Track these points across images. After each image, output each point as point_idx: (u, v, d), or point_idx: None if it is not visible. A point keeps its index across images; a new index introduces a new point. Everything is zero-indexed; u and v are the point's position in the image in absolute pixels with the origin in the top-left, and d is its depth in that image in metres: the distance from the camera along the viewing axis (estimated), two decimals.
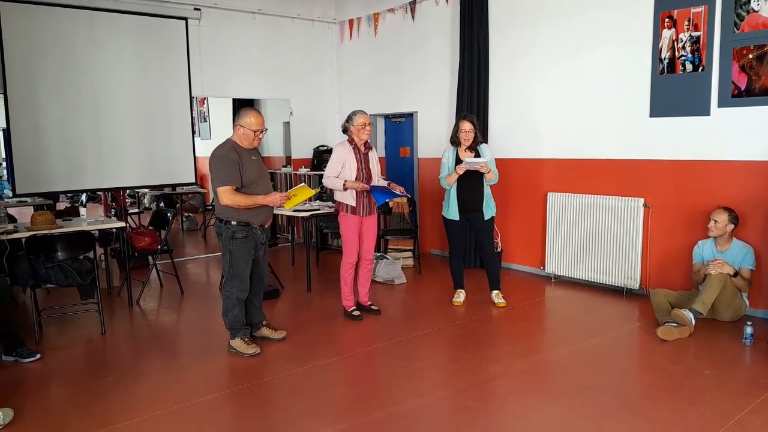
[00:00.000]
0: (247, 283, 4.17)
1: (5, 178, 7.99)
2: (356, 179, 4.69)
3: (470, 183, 4.99)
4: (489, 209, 5.12)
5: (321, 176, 7.72)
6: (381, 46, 7.82)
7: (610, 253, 5.57)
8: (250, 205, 3.98)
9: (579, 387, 3.56)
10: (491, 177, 4.99)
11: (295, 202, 4.22)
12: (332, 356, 4.14)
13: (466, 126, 5.00)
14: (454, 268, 5.37)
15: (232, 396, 3.57)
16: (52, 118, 6.36)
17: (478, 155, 5.06)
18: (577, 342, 4.34)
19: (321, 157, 8.09)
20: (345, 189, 4.67)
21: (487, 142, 6.22)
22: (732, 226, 4.61)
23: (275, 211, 4.66)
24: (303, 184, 4.14)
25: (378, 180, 4.88)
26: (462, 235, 5.29)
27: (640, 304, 5.20)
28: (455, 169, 4.95)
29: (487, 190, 5.11)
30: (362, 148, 4.77)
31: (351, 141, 4.75)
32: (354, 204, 4.73)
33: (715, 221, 4.62)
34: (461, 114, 5.20)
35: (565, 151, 5.94)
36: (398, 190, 4.75)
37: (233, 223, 4.04)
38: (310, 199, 4.52)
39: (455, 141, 5.09)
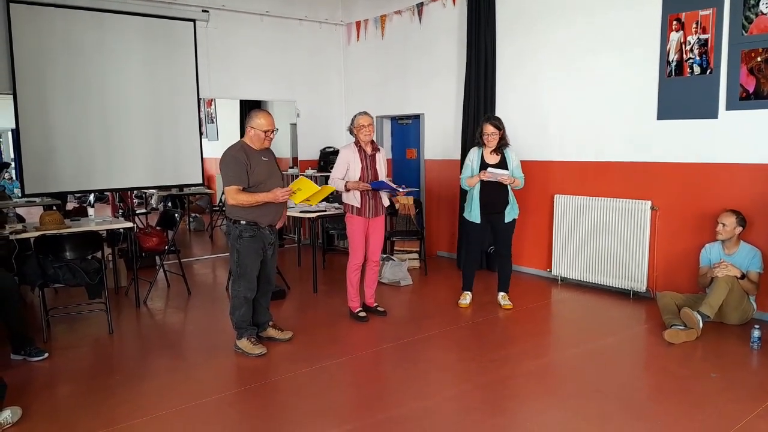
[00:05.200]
0: (254, 283, 4.18)
1: (15, 178, 8.04)
2: (360, 180, 4.70)
3: (493, 186, 4.94)
4: (511, 212, 5.07)
5: (327, 177, 7.77)
6: (388, 47, 7.83)
7: (617, 256, 5.56)
8: (253, 203, 4.01)
9: (585, 389, 3.56)
10: (517, 184, 4.98)
11: (303, 196, 4.17)
12: (338, 357, 4.14)
13: (489, 129, 4.92)
14: (467, 271, 5.34)
15: (239, 396, 3.58)
16: (60, 119, 6.40)
17: (503, 158, 5.00)
18: (584, 344, 4.33)
19: (327, 158, 8.10)
20: (347, 190, 4.68)
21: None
22: (740, 229, 4.59)
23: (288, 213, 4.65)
24: (302, 176, 4.13)
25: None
26: (480, 238, 5.22)
27: (647, 306, 5.19)
28: (479, 173, 4.91)
29: (511, 194, 5.06)
30: (368, 150, 4.78)
31: (357, 143, 4.76)
32: (359, 205, 4.74)
33: (723, 224, 4.59)
34: (485, 116, 5.04)
35: (572, 153, 5.93)
36: (400, 187, 4.74)
37: (242, 222, 4.08)
38: (327, 198, 4.48)
39: (479, 143, 5.05)
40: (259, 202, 4.02)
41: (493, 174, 4.84)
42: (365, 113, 4.75)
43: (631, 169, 5.47)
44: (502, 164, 4.99)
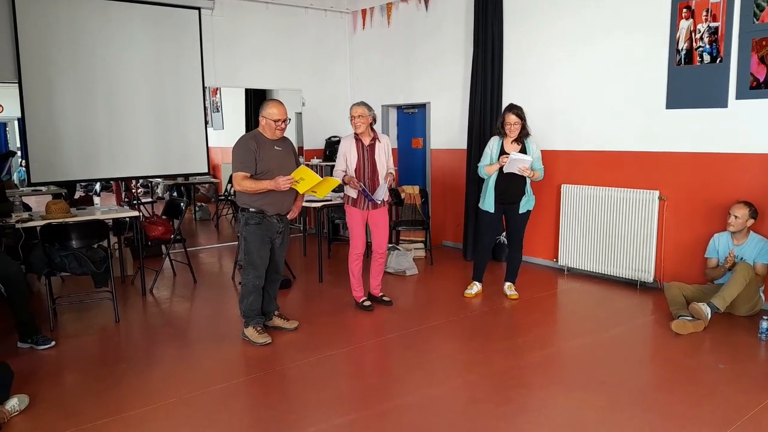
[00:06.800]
0: (261, 270, 4.20)
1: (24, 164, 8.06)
2: (356, 172, 4.66)
3: (510, 175, 4.85)
4: (527, 203, 5.00)
5: (332, 168, 7.75)
6: (394, 36, 7.77)
7: (624, 246, 5.52)
8: (257, 190, 4.04)
9: (592, 380, 3.55)
10: (536, 176, 4.89)
11: (306, 187, 4.12)
12: (343, 346, 4.15)
13: (512, 119, 4.84)
14: (478, 260, 5.31)
15: (245, 384, 3.59)
16: (66, 108, 6.40)
17: (524, 148, 4.92)
18: (590, 335, 4.32)
19: (333, 147, 8.07)
20: (345, 183, 4.66)
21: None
22: (752, 221, 4.54)
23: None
24: (302, 165, 4.13)
25: (386, 171, 4.75)
26: (493, 228, 5.14)
27: (654, 297, 5.16)
28: (499, 159, 4.85)
29: (528, 185, 4.98)
30: (365, 141, 4.72)
31: (356, 133, 4.72)
32: (355, 196, 4.73)
33: (736, 216, 4.54)
34: (508, 105, 5.01)
35: (580, 142, 5.88)
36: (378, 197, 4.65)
37: (250, 210, 4.13)
38: (335, 190, 4.49)
39: (501, 132, 4.98)
40: (262, 189, 4.03)
41: (515, 160, 4.74)
42: (358, 104, 4.68)
43: (639, 159, 5.43)
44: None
